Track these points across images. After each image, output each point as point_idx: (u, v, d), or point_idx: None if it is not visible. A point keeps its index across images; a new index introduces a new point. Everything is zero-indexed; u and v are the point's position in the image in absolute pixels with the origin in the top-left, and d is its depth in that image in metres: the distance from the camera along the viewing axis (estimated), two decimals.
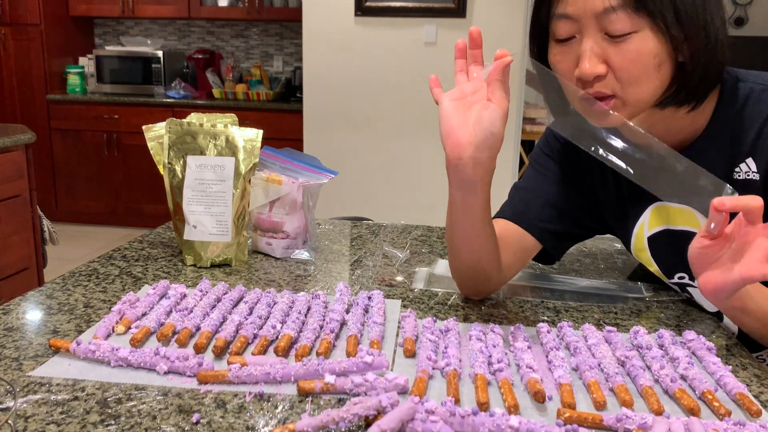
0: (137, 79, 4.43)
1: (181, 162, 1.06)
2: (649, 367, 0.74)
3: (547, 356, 0.76)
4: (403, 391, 0.66)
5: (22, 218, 2.54)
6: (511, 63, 0.76)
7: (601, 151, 0.79)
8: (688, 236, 0.87)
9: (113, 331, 0.80)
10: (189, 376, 0.69)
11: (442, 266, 1.10)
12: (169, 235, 1.23)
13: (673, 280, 0.98)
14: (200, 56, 4.57)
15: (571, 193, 1.01)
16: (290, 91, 4.47)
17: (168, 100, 4.28)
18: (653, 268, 0.99)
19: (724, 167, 0.86)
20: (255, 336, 0.78)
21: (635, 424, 0.61)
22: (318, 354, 0.74)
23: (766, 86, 0.85)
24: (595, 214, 1.03)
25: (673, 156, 0.76)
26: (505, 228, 0.98)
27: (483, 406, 0.64)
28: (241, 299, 0.90)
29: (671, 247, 0.94)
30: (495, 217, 1.01)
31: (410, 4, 3.53)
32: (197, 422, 0.61)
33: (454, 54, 0.82)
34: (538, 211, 0.99)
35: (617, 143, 0.80)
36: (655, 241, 0.96)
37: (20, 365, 0.71)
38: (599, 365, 0.73)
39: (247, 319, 0.82)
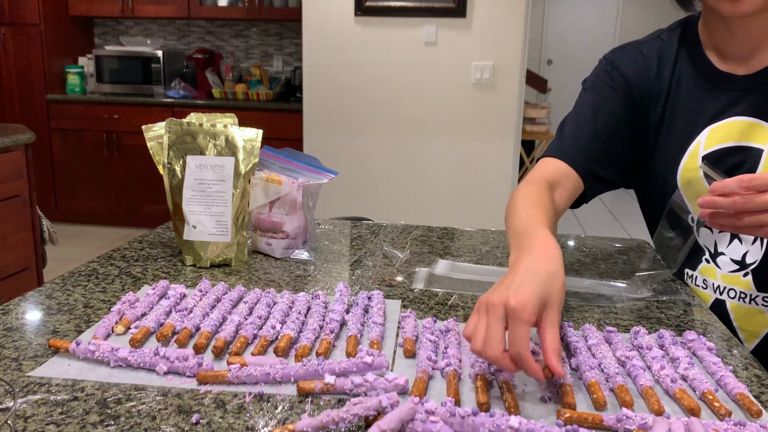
0: (137, 79, 4.43)
1: (180, 162, 1.06)
2: (649, 368, 0.74)
3: None
4: (403, 392, 0.66)
5: (22, 218, 2.54)
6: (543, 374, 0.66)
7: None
8: (749, 151, 0.94)
9: (113, 331, 0.80)
10: (189, 377, 0.69)
11: (442, 266, 1.10)
12: (169, 235, 1.23)
13: None
14: (200, 56, 4.57)
15: (621, 130, 1.06)
16: (290, 91, 4.47)
17: (168, 100, 4.28)
18: (700, 186, 1.00)
19: None
20: (255, 336, 0.78)
21: (635, 425, 0.61)
22: (318, 354, 0.74)
23: None
24: (635, 156, 1.09)
25: None
26: (556, 167, 1.04)
27: (483, 406, 0.64)
28: (240, 299, 0.90)
29: (728, 161, 0.97)
30: (546, 156, 1.08)
31: (410, 4, 3.53)
32: (197, 422, 0.61)
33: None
34: (585, 149, 1.05)
35: None
36: (710, 157, 0.98)
37: (20, 365, 0.71)
38: (599, 365, 0.73)
39: (246, 320, 0.82)
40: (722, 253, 1.01)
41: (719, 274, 1.01)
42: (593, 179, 1.06)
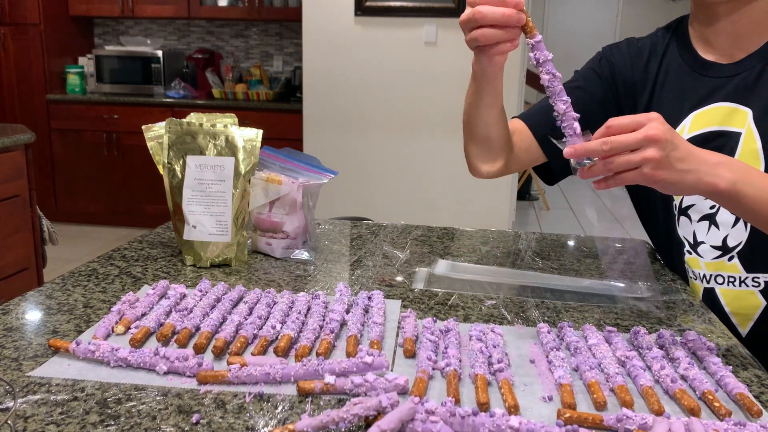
0: (137, 79, 4.43)
1: (180, 162, 1.06)
2: (649, 368, 0.74)
3: (547, 356, 0.76)
4: (403, 392, 0.66)
5: (22, 218, 2.54)
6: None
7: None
8: (729, 135, 0.97)
9: (113, 331, 0.80)
10: (189, 377, 0.69)
11: (442, 266, 1.10)
12: (169, 235, 1.23)
13: None
14: (200, 56, 4.57)
15: (595, 108, 1.10)
16: (290, 91, 4.47)
17: (168, 100, 4.28)
18: None
19: None
20: (255, 336, 0.78)
21: (635, 425, 0.61)
22: (318, 354, 0.74)
23: None
24: None
25: None
26: (521, 127, 1.13)
27: (483, 406, 0.64)
28: (240, 299, 0.90)
29: (710, 144, 0.99)
30: (515, 117, 1.17)
31: (410, 4, 3.53)
32: (197, 422, 0.61)
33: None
34: (545, 113, 1.08)
35: None
36: (694, 141, 1.00)
37: (20, 365, 0.71)
38: (599, 365, 0.73)
39: (246, 320, 0.82)
40: (702, 242, 1.02)
41: (702, 263, 1.02)
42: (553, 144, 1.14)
